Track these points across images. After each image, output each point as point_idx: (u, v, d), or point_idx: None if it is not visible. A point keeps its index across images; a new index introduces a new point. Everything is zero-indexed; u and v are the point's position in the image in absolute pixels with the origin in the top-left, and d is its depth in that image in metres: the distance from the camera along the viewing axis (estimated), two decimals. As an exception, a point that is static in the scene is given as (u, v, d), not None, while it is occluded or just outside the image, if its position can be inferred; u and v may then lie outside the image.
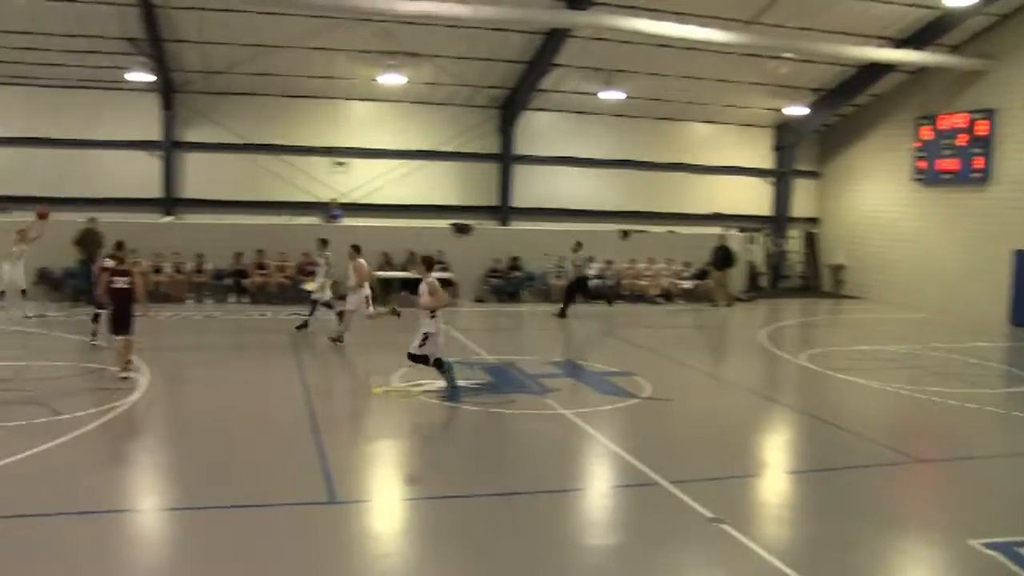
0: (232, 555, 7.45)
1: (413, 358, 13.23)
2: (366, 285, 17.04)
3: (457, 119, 27.86)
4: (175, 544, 7.89)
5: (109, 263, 14.76)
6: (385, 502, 9.10)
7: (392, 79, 24.78)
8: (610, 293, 24.78)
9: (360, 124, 27.46)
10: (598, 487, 9.86)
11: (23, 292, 19.51)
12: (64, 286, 22.46)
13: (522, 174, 28.56)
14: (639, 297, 25.90)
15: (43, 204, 20.08)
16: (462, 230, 25.46)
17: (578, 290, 23.11)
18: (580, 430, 11.57)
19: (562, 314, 22.53)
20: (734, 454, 10.80)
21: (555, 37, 23.90)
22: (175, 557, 7.56)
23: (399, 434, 11.67)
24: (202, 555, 7.44)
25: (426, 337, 13.01)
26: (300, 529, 7.93)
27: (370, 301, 17.09)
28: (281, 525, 8.06)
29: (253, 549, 7.56)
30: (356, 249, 17.32)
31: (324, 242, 18.44)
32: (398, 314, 16.02)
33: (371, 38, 23.33)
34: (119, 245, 15.51)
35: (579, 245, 23.06)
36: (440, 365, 13.29)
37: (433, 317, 13.03)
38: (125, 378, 13.38)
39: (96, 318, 16.08)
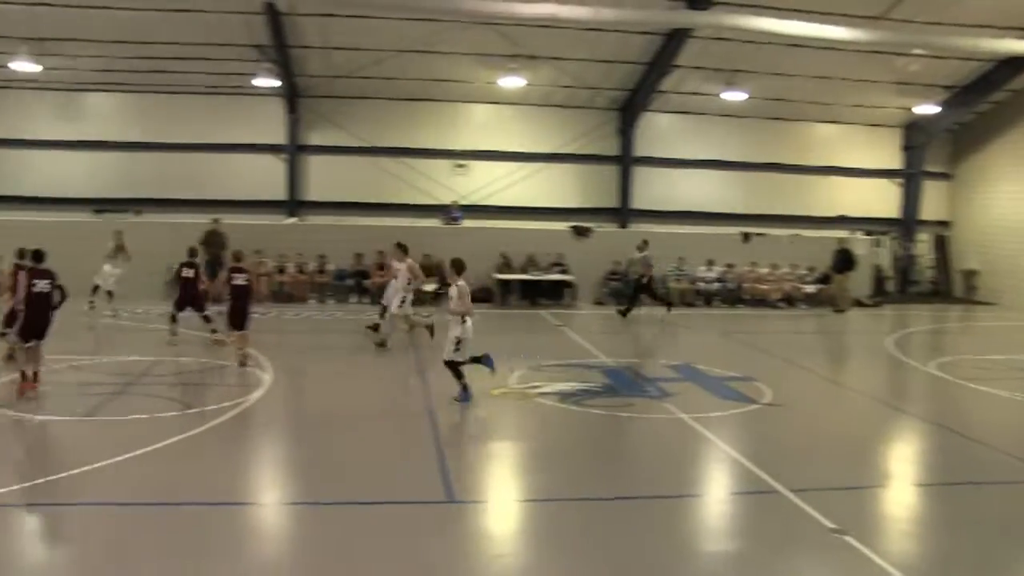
0: (350, 551, 7.61)
1: (450, 364, 12.75)
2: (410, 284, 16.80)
3: (576, 121, 27.87)
4: (295, 538, 8.14)
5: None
6: (502, 503, 9.18)
7: (512, 82, 24.99)
8: (668, 298, 23.60)
9: (480, 127, 27.81)
10: (716, 493, 9.73)
11: (109, 294, 20.40)
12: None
13: (642, 176, 28.36)
14: (760, 301, 25.39)
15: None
16: (582, 232, 25.43)
17: (643, 291, 22.66)
18: (698, 435, 11.43)
19: (624, 314, 22.30)
20: (858, 463, 10.48)
21: (676, 38, 23.69)
22: (295, 551, 7.79)
23: (516, 435, 11.76)
24: (321, 550, 7.62)
25: (459, 342, 12.64)
26: (417, 527, 8.09)
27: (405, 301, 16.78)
28: (399, 523, 8.22)
29: (371, 546, 7.71)
30: (403, 248, 17.11)
31: (402, 247, 17.67)
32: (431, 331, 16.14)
33: (492, 41, 23.58)
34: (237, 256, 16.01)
35: (645, 244, 22.73)
36: (455, 369, 12.88)
37: (464, 322, 12.67)
38: (244, 370, 13.97)
39: (174, 319, 16.74)
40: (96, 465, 9.41)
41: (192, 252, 17.15)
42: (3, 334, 13.55)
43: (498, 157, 27.50)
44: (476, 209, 26.81)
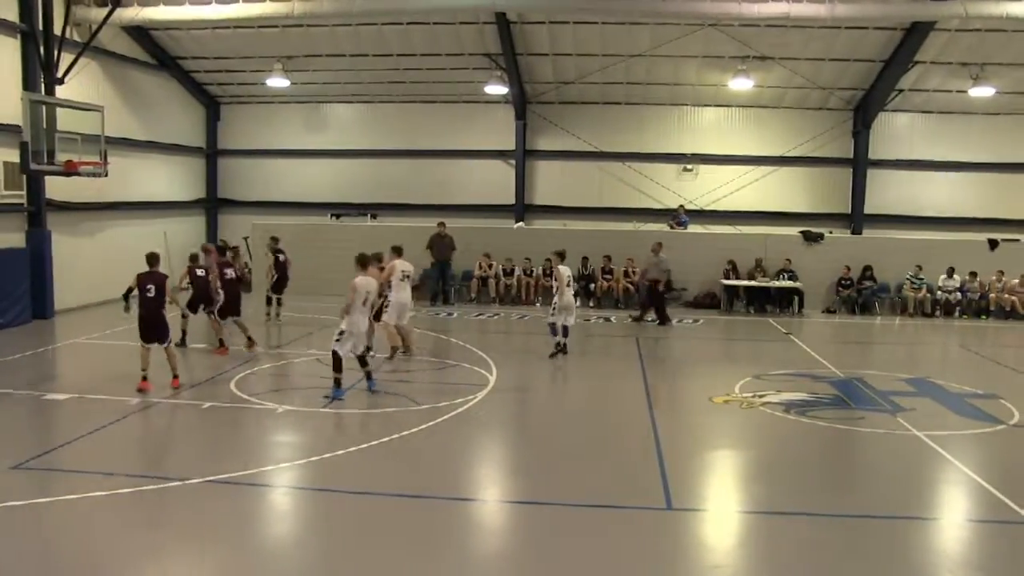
0: (568, 552, 7.75)
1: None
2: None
3: (808, 123, 27.00)
4: (512, 535, 8.38)
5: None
6: (722, 512, 9.03)
7: (742, 84, 24.57)
8: (662, 311, 21.69)
9: (708, 130, 27.45)
10: (953, 518, 9.14)
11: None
12: (423, 287, 24.41)
13: (877, 179, 27.07)
14: (1009, 313, 23.51)
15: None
16: (812, 238, 24.55)
17: (656, 298, 21.55)
18: (935, 454, 10.81)
19: (641, 318, 21.58)
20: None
21: (917, 31, 22.48)
22: (511, 548, 8.05)
23: (739, 444, 11.53)
24: (543, 550, 7.82)
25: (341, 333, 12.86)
26: (635, 532, 8.14)
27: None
28: (617, 526, 8.29)
29: (588, 548, 7.81)
30: (397, 251, 16.05)
31: (560, 255, 17.05)
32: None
33: (721, 43, 23.30)
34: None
35: (659, 245, 21.62)
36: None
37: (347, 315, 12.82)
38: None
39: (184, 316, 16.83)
40: (337, 453, 10.30)
41: (193, 257, 16.87)
42: (210, 312, 16.37)
43: (726, 161, 27.06)
44: (703, 213, 26.54)
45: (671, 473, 9.74)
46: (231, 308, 16.54)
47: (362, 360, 13.13)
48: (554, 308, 16.33)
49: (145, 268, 13.38)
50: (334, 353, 12.91)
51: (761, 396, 13.37)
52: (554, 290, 16.86)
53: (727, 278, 23.51)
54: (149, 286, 13.19)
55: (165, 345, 13.33)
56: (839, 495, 9.54)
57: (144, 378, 13.04)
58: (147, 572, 7.32)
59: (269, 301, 20.28)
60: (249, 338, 16.25)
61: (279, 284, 20.33)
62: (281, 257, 20.35)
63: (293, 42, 24.77)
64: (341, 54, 25.41)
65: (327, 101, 28.70)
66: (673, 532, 8.29)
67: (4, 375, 14.31)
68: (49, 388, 13.62)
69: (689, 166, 27.25)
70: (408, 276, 15.70)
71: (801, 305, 23.27)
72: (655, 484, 9.38)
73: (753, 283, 23.37)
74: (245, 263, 21.30)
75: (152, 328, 13.21)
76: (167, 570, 7.41)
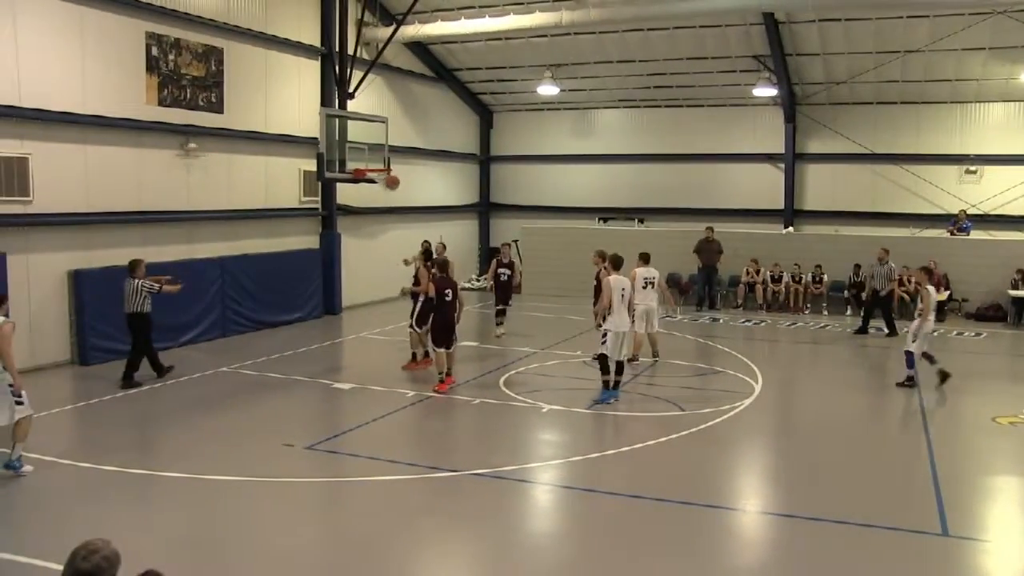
0: (832, 570, 7.54)
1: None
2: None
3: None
4: (770, 547, 8.28)
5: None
6: (1007, 546, 8.29)
7: (1035, 78, 22.43)
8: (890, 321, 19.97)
9: (994, 128, 25.18)
10: None
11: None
12: (690, 291, 24.37)
13: None
14: None
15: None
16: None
17: (877, 306, 19.92)
18: None
19: (861, 331, 20.04)
20: None
21: None
22: (768, 562, 7.93)
23: (1025, 471, 10.63)
24: (798, 564, 7.68)
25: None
26: (906, 557, 7.78)
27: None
28: (886, 549, 7.95)
29: (854, 568, 7.58)
30: (644, 259, 15.90)
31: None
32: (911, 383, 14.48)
33: (1010, 31, 21.38)
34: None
35: (886, 252, 19.73)
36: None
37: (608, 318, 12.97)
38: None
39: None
40: (601, 454, 10.66)
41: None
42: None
43: (1015, 161, 24.77)
44: (987, 219, 24.59)
45: (947, 496, 9.15)
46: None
47: (620, 366, 13.24)
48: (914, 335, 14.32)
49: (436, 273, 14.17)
50: (601, 356, 13.16)
51: (1053, 419, 12.31)
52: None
53: (1015, 288, 21.66)
54: (447, 291, 13.82)
55: (452, 350, 14.01)
56: None
57: (442, 380, 13.74)
58: (423, 555, 7.92)
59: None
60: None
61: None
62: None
63: (562, 50, 25.44)
64: (608, 60, 25.79)
65: (594, 107, 29.21)
66: (947, 560, 7.79)
67: (300, 364, 15.91)
68: (336, 378, 14.98)
69: (972, 168, 25.29)
70: (651, 283, 15.80)
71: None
72: (929, 507, 8.87)
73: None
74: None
75: (451, 331, 13.88)
76: (440, 555, 7.99)
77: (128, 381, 13.95)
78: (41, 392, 11.97)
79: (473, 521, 8.66)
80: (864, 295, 20.94)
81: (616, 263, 13.42)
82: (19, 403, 9.38)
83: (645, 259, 15.90)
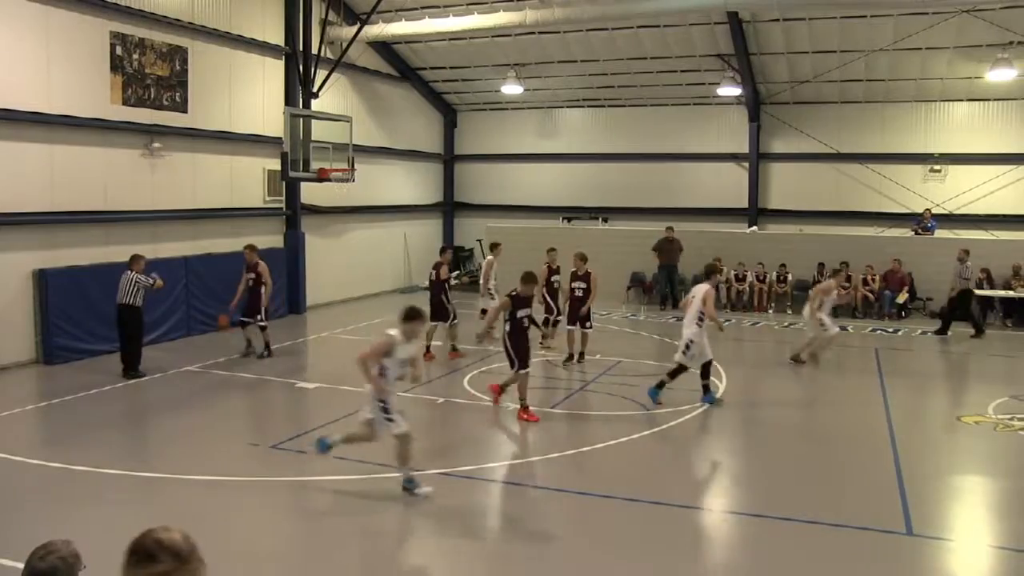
0: (799, 569, 7.52)
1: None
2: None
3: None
4: (737, 547, 8.24)
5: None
6: (971, 545, 8.32)
7: (1002, 75, 22.41)
8: (979, 321, 20.24)
9: (959, 127, 25.39)
10: None
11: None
12: (654, 291, 24.40)
13: None
14: None
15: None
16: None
17: (962, 306, 19.91)
18: None
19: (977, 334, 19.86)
20: None
21: None
22: (735, 561, 7.91)
23: (993, 471, 10.56)
24: (764, 563, 7.64)
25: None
26: (871, 556, 7.75)
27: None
28: (850, 548, 7.93)
29: (820, 566, 7.56)
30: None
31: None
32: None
33: (976, 31, 21.53)
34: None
35: (966, 253, 19.80)
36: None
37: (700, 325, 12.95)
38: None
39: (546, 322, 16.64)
40: (562, 454, 10.56)
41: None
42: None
43: (979, 160, 25.00)
44: (951, 218, 24.80)
45: (912, 495, 9.14)
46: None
47: (705, 370, 13.16)
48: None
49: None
50: (680, 365, 13.03)
51: (1021, 419, 12.35)
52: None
53: (980, 288, 21.83)
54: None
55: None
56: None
57: (525, 407, 12.24)
58: (391, 554, 7.82)
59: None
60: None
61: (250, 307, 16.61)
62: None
63: (526, 50, 25.38)
64: (572, 60, 25.76)
65: (558, 106, 29.17)
66: (912, 559, 7.76)
67: (265, 364, 15.85)
68: (300, 377, 14.99)
69: (937, 167, 25.52)
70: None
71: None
72: (894, 505, 8.85)
73: (1011, 293, 21.60)
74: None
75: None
76: (408, 553, 7.88)
77: (134, 372, 14.52)
78: (5, 391, 11.80)
79: (441, 520, 8.56)
80: (950, 294, 20.51)
81: (710, 271, 13.95)
82: None
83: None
